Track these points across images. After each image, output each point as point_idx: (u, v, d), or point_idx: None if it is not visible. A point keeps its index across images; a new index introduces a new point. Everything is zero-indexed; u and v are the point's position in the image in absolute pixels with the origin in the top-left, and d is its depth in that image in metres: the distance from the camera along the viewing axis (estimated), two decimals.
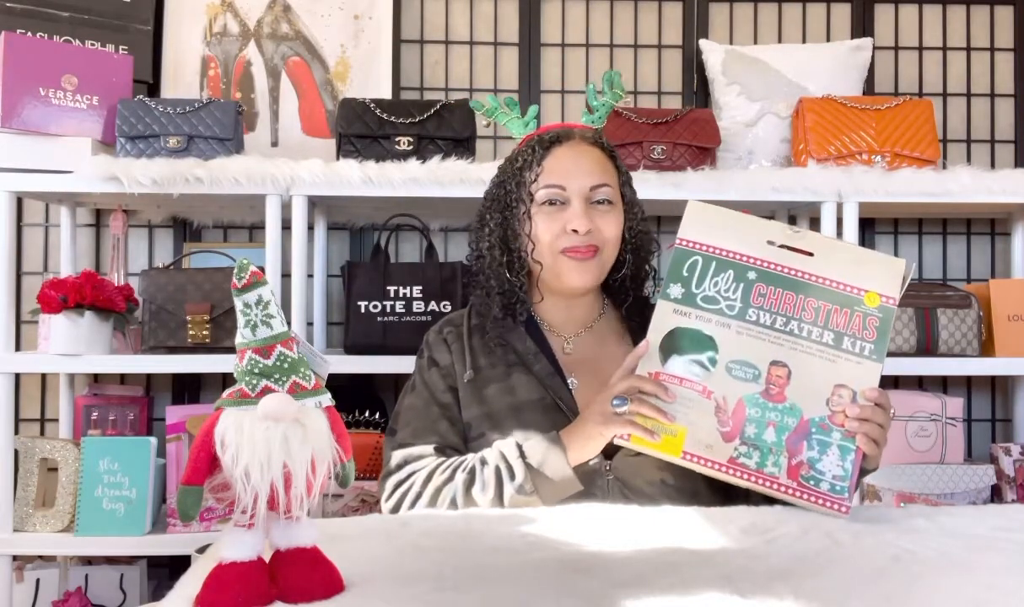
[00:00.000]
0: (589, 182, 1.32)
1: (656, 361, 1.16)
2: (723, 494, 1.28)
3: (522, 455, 1.21)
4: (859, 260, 1.16)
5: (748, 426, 1.12)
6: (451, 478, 1.24)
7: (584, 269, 1.32)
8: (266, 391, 0.78)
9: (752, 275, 1.15)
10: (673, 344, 1.15)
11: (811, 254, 1.16)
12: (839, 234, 2.08)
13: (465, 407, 1.33)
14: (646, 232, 1.41)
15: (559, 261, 1.32)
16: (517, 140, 1.45)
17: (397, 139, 2.07)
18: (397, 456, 1.31)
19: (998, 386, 2.56)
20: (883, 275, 1.14)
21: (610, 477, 1.26)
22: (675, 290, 1.17)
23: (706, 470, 1.13)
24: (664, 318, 1.17)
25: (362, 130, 2.07)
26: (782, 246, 1.17)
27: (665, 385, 1.14)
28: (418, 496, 1.25)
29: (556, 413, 1.29)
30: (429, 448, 1.31)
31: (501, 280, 1.35)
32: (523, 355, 1.34)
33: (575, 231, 1.30)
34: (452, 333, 1.39)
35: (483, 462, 1.24)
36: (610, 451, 1.24)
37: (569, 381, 1.34)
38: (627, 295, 1.41)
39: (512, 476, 1.20)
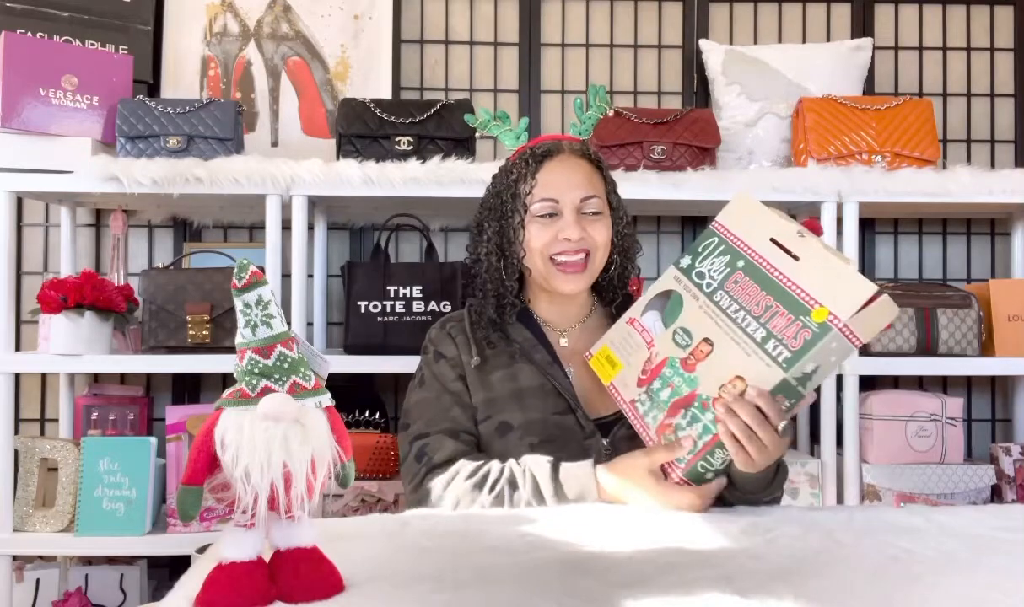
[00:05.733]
0: (580, 194, 1.40)
1: (639, 309, 1.30)
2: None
3: (558, 491, 1.24)
4: (838, 276, 1.10)
5: (656, 381, 1.22)
6: (483, 490, 1.27)
7: (574, 279, 1.41)
8: (266, 391, 0.78)
9: (740, 264, 1.20)
10: (657, 301, 1.28)
11: (797, 258, 1.15)
12: (839, 234, 2.08)
13: (472, 391, 1.40)
14: (630, 235, 1.50)
15: (550, 269, 1.41)
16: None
17: (397, 139, 2.07)
18: (416, 447, 1.36)
19: (998, 386, 2.56)
20: (847, 295, 1.07)
21: (608, 448, 1.34)
22: (684, 260, 1.28)
23: (617, 402, 1.28)
24: (664, 279, 1.29)
25: (362, 130, 2.07)
26: (780, 245, 1.18)
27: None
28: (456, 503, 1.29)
29: (556, 397, 1.37)
30: (445, 437, 1.36)
31: (497, 283, 1.43)
32: (524, 346, 1.42)
33: (567, 239, 1.39)
34: (455, 327, 1.46)
35: (512, 486, 1.26)
36: (605, 431, 1.36)
37: (568, 370, 1.42)
38: (615, 293, 1.49)
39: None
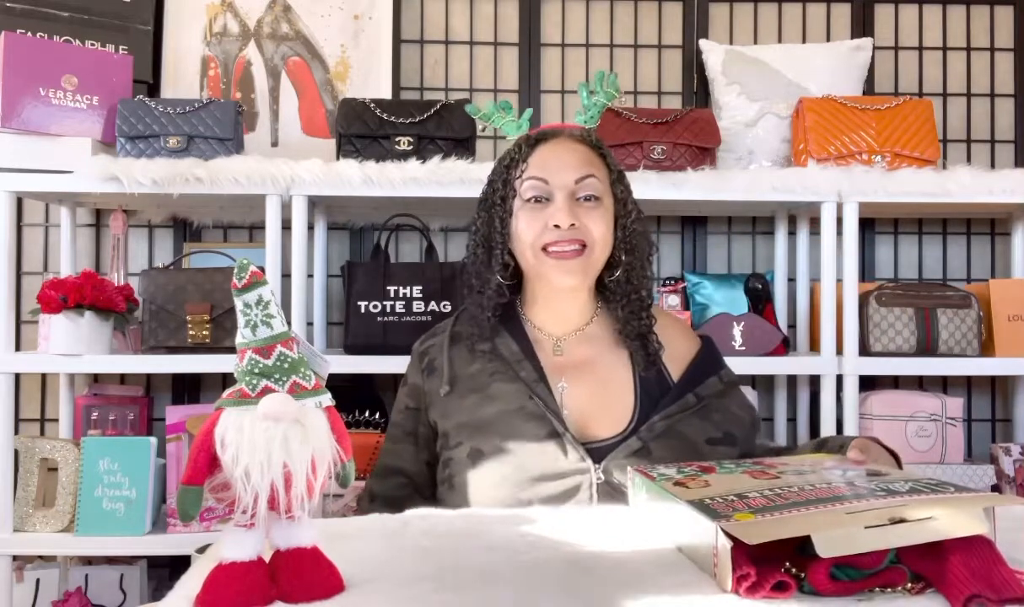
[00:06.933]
0: (573, 175, 1.29)
1: None
2: None
3: None
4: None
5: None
6: None
7: (567, 268, 1.28)
8: (266, 391, 0.78)
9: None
10: None
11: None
12: (839, 234, 2.08)
13: (443, 417, 1.31)
14: (642, 232, 1.35)
15: (541, 260, 1.29)
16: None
17: (397, 139, 2.07)
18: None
19: (998, 386, 2.56)
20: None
21: (599, 475, 1.22)
22: None
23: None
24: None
25: (362, 130, 2.07)
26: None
27: None
28: None
29: (540, 421, 1.25)
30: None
31: (481, 278, 1.33)
32: (509, 361, 1.30)
33: (557, 226, 1.27)
34: (435, 347, 1.38)
35: None
36: (599, 457, 1.23)
37: (559, 385, 1.30)
38: (623, 297, 1.34)
39: None
